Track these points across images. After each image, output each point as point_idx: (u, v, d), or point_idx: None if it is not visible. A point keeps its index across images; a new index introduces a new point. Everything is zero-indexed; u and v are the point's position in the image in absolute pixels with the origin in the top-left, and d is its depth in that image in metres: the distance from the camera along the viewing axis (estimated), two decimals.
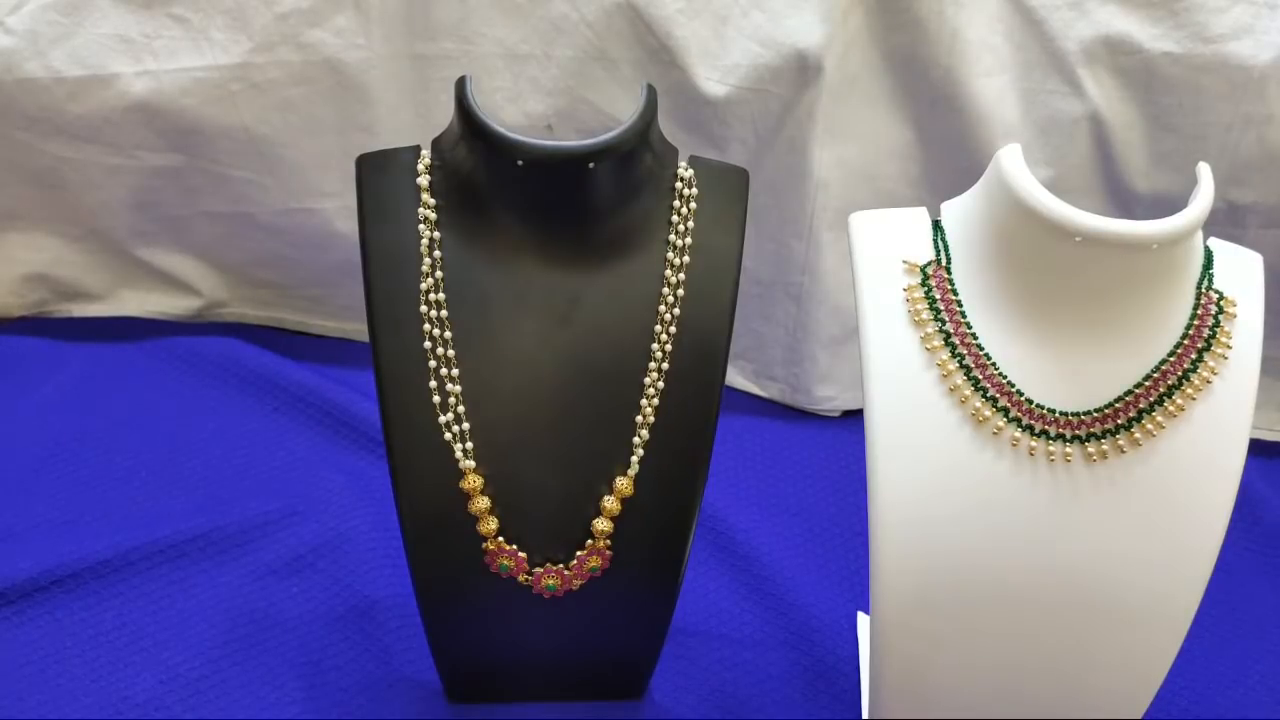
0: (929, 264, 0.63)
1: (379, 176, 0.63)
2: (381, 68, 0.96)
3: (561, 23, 0.95)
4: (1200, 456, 0.61)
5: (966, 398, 0.61)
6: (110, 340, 1.08)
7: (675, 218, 0.63)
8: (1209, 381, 0.61)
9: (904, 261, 0.63)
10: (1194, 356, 0.61)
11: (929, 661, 0.65)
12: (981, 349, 0.61)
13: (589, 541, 0.64)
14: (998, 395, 0.60)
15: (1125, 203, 1.01)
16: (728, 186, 0.65)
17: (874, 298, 0.63)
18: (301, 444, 0.98)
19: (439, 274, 0.62)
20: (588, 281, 0.63)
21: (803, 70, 0.94)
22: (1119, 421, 0.60)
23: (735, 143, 0.99)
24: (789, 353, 1.08)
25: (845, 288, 1.03)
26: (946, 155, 1.00)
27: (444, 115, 0.64)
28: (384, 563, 0.86)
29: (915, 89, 0.99)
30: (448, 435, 0.62)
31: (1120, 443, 0.60)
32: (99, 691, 0.75)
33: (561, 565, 0.65)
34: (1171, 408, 0.60)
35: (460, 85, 0.60)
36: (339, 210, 1.03)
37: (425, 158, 0.63)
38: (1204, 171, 0.60)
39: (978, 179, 0.63)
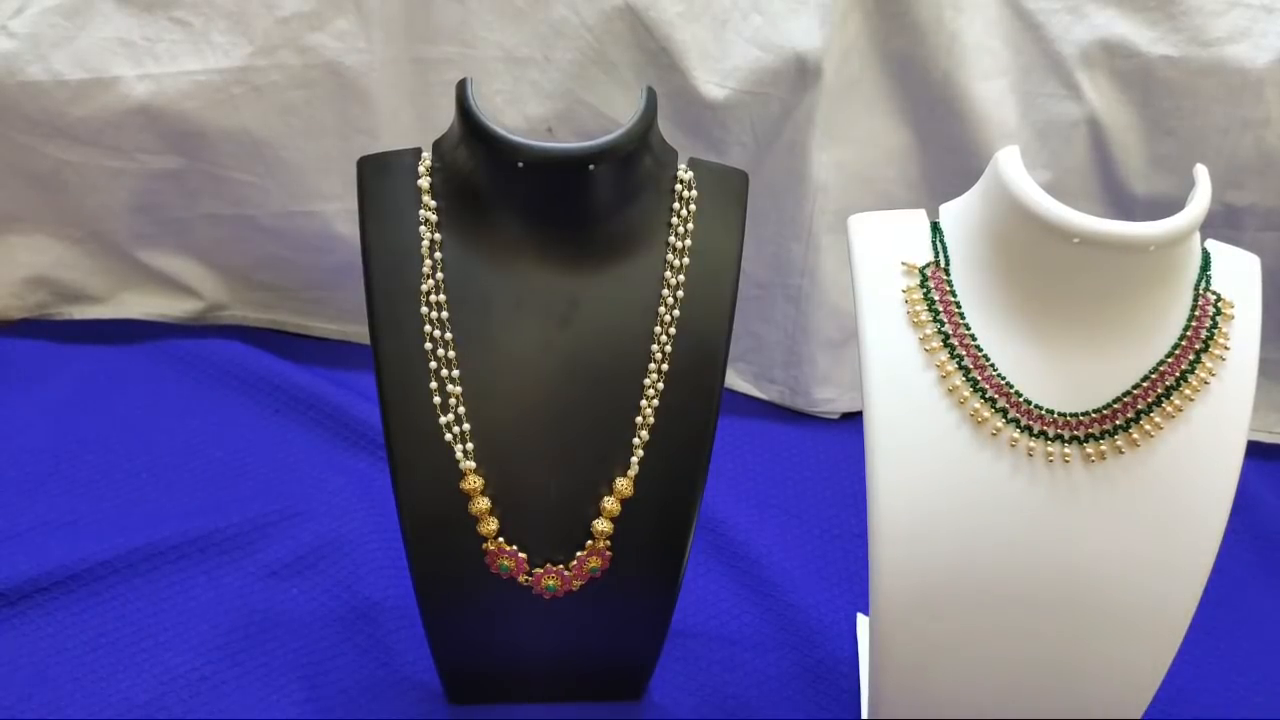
0: (927, 265, 0.63)
1: (380, 179, 0.63)
2: (382, 71, 0.97)
3: (561, 26, 0.95)
4: (1198, 457, 0.61)
5: (965, 399, 0.61)
6: (111, 343, 1.09)
7: (675, 220, 0.63)
8: (1206, 383, 0.61)
9: (903, 263, 0.63)
10: (1192, 357, 0.61)
11: (928, 662, 0.65)
12: (980, 350, 0.61)
13: (589, 542, 0.64)
14: (996, 396, 0.61)
15: (1123, 205, 1.01)
16: (727, 189, 0.65)
17: (873, 299, 0.63)
18: (302, 445, 0.98)
19: (440, 275, 0.62)
20: (588, 283, 0.63)
21: (802, 73, 0.95)
22: (1117, 422, 0.60)
23: (735, 145, 0.99)
24: (788, 355, 1.08)
25: (844, 290, 1.03)
26: (945, 158, 1.01)
27: (444, 118, 0.64)
28: (384, 564, 0.87)
29: (914, 92, 0.99)
30: (448, 436, 0.63)
31: (1119, 443, 0.60)
32: (100, 692, 0.75)
33: (561, 566, 0.65)
34: (1170, 408, 0.60)
35: (461, 88, 0.60)
36: (340, 213, 1.03)
37: (426, 160, 0.63)
38: (1201, 173, 0.60)
39: (976, 181, 0.63)
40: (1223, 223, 0.99)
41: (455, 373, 0.62)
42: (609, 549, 0.65)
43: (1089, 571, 0.62)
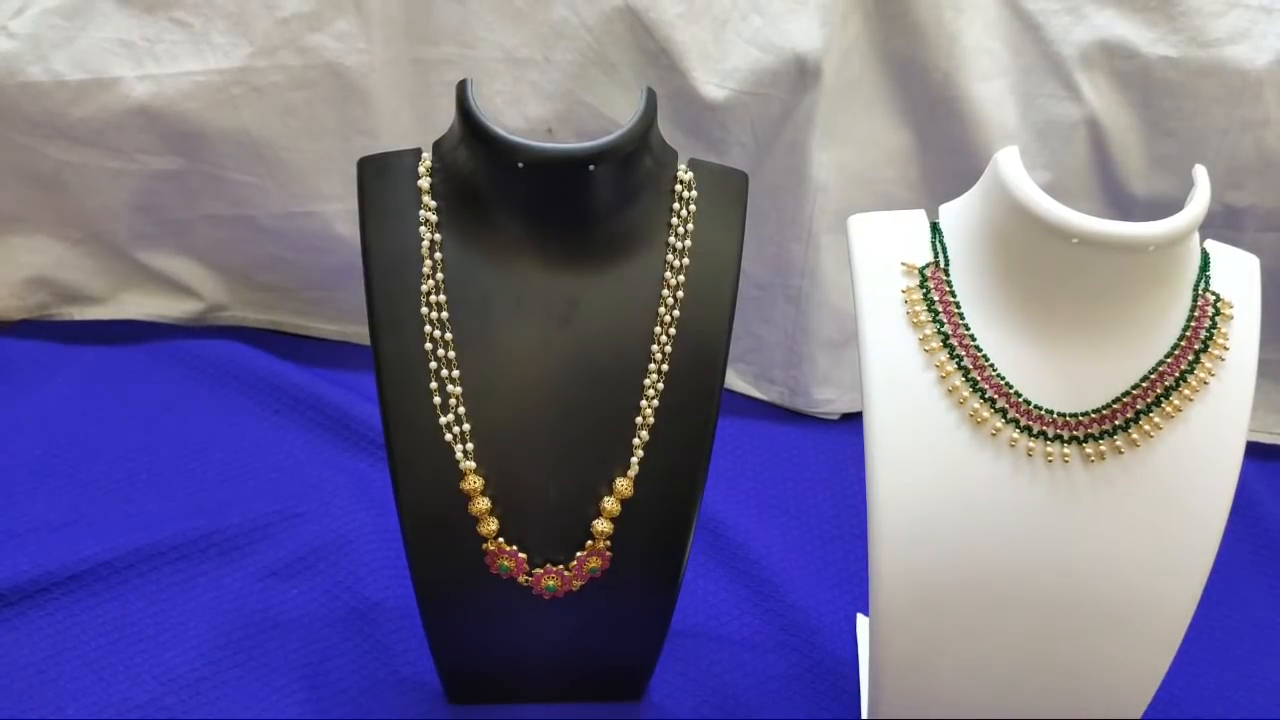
0: (927, 266, 0.63)
1: (380, 179, 0.63)
2: (382, 72, 0.97)
3: (561, 27, 0.96)
4: (1198, 457, 0.61)
5: (965, 399, 0.61)
6: (111, 343, 1.09)
7: (675, 220, 0.64)
8: (1206, 383, 0.61)
9: (902, 263, 0.63)
10: (1191, 358, 0.61)
11: (928, 662, 0.65)
12: (980, 350, 0.61)
13: (589, 542, 0.64)
14: (996, 396, 0.61)
15: (1123, 206, 1.01)
16: (727, 189, 0.65)
17: (872, 299, 0.63)
18: (302, 446, 0.98)
19: (440, 276, 0.62)
20: (588, 283, 0.63)
21: (802, 74, 0.95)
22: (1117, 422, 0.60)
23: (735, 146, 0.99)
24: (788, 355, 1.08)
25: (844, 290, 1.03)
26: (945, 159, 1.01)
27: (444, 119, 0.64)
28: (384, 564, 0.87)
29: (914, 93, 0.99)
30: (448, 436, 0.63)
31: (1118, 444, 0.61)
32: (99, 692, 0.75)
33: (561, 566, 0.65)
34: (1169, 409, 0.60)
35: (461, 88, 0.60)
36: (340, 213, 1.03)
37: (426, 160, 0.63)
38: (1200, 174, 0.60)
39: (976, 182, 0.63)
40: (1222, 223, 0.99)
41: (455, 373, 0.62)
42: (609, 549, 0.65)
43: (1088, 572, 0.62)
